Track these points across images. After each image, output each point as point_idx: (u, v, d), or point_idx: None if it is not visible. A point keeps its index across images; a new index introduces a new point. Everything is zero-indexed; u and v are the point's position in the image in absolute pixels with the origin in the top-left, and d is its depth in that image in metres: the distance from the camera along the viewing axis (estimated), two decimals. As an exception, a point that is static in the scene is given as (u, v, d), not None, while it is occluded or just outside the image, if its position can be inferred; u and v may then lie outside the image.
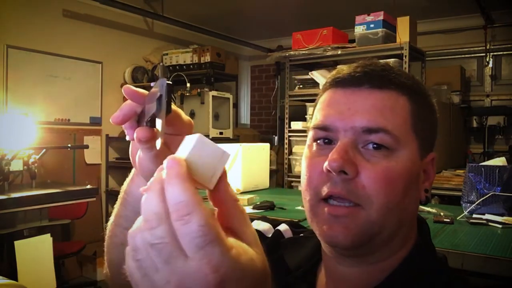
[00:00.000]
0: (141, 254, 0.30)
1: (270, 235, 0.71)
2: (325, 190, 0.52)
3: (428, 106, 0.58)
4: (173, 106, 0.46)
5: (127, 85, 0.44)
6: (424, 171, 0.57)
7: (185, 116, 0.48)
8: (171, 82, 0.38)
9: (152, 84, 0.41)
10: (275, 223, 0.74)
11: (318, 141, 0.56)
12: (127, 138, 0.47)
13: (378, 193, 0.51)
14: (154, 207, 0.30)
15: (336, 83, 0.57)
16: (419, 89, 0.58)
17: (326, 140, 0.55)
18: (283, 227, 0.72)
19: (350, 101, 0.54)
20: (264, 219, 0.76)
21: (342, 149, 0.52)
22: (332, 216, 0.52)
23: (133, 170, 0.54)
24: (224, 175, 0.34)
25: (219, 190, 0.34)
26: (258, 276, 0.32)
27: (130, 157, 0.50)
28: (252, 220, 0.75)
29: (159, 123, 0.39)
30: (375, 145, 0.52)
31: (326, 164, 0.51)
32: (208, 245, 0.29)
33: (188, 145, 0.33)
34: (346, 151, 0.51)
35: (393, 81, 0.55)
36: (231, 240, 0.31)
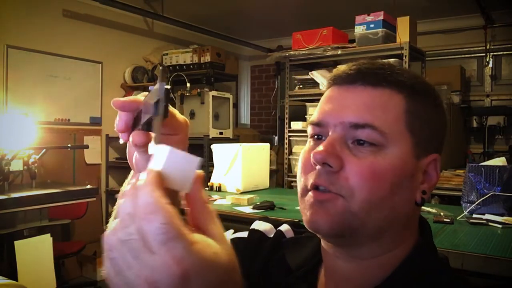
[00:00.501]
0: (115, 252, 0.33)
1: (271, 236, 0.71)
2: (310, 181, 0.54)
3: (433, 107, 0.58)
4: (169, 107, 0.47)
5: (115, 99, 0.45)
6: (424, 172, 0.56)
7: (180, 116, 0.49)
8: (169, 87, 0.40)
9: (150, 88, 0.43)
10: (276, 223, 0.74)
11: (314, 137, 0.58)
12: (121, 141, 0.48)
13: (361, 186, 0.51)
14: (127, 208, 0.33)
15: (334, 81, 0.59)
16: (422, 88, 0.57)
17: (320, 136, 0.57)
18: (284, 227, 0.72)
19: (343, 97, 0.56)
20: (265, 219, 0.76)
21: (329, 142, 0.53)
22: (316, 201, 0.53)
23: (131, 172, 0.54)
24: (198, 178, 0.38)
25: (191, 192, 0.38)
26: (224, 268, 0.34)
27: (128, 159, 0.51)
28: (253, 220, 0.76)
29: (155, 127, 0.40)
30: (361, 141, 0.53)
31: (311, 156, 0.54)
32: (170, 241, 0.31)
33: (161, 157, 0.37)
34: (332, 145, 0.53)
35: (388, 79, 0.55)
36: (197, 236, 0.34)
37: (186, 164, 0.37)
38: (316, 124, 0.57)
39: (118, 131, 0.47)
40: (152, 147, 0.39)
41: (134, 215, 0.33)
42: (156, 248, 0.31)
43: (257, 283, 0.64)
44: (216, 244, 0.35)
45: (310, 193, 0.54)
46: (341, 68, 0.58)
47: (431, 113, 0.57)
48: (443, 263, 0.57)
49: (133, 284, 0.32)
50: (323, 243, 0.59)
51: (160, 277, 0.31)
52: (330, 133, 0.55)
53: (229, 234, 0.74)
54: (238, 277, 0.37)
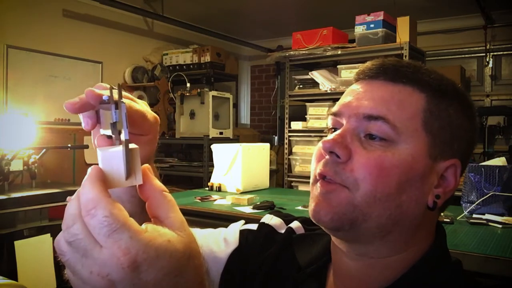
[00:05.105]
0: (67, 254, 0.34)
1: (281, 231, 0.70)
2: (317, 171, 0.55)
3: (458, 111, 0.56)
4: (138, 106, 0.47)
5: (67, 103, 0.43)
6: (441, 176, 0.55)
7: (151, 114, 0.49)
8: (123, 104, 0.38)
9: (105, 97, 0.41)
10: (288, 218, 0.73)
11: (332, 129, 0.58)
12: (84, 126, 0.47)
13: (366, 179, 0.50)
14: (70, 209, 0.34)
15: (358, 76, 0.60)
16: (449, 91, 0.56)
17: (336, 129, 0.57)
18: (295, 224, 0.71)
19: (363, 90, 0.56)
20: (276, 213, 0.75)
21: (340, 133, 0.54)
22: (322, 192, 0.53)
23: None
24: (146, 170, 0.38)
25: (144, 184, 0.38)
26: (178, 256, 0.34)
27: (94, 146, 0.49)
28: (253, 220, 0.75)
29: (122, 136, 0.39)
30: (373, 136, 0.52)
31: (321, 145, 0.54)
32: (115, 232, 0.32)
33: (99, 159, 0.37)
34: (342, 136, 0.53)
35: (410, 77, 0.55)
36: (149, 226, 0.35)
37: (122, 159, 0.36)
38: (334, 115, 0.58)
39: (86, 130, 0.46)
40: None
41: (77, 214, 0.34)
42: (102, 241, 0.32)
43: (266, 279, 0.64)
44: (172, 232, 0.35)
45: (318, 184, 0.54)
46: (367, 63, 0.59)
47: (454, 117, 0.55)
48: (455, 268, 0.56)
49: (88, 281, 0.33)
50: (333, 239, 0.59)
51: (111, 269, 0.32)
52: (344, 124, 0.55)
53: (240, 225, 0.74)
54: (198, 262, 0.37)
